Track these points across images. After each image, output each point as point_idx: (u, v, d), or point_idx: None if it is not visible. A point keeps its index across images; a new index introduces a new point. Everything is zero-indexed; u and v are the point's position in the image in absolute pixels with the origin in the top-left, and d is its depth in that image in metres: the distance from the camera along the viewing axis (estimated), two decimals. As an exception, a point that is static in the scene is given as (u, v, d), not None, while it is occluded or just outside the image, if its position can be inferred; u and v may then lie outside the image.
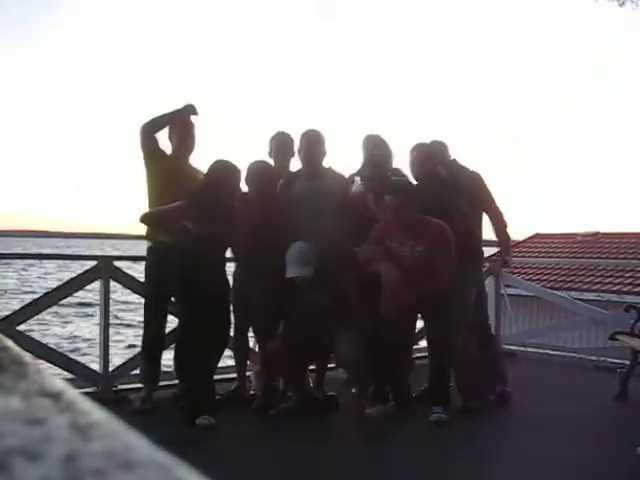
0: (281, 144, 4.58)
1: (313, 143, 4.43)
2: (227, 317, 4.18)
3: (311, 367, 4.57)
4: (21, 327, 4.39)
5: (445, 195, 4.26)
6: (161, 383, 4.47)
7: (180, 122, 4.40)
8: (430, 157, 4.42)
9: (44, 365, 4.14)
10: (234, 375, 4.62)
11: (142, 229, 4.32)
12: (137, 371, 4.74)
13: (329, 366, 4.64)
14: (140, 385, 4.47)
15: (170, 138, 4.44)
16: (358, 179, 4.47)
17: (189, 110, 4.40)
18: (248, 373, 4.61)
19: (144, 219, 4.17)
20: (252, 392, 4.49)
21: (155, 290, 4.31)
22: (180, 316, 4.22)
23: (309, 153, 4.40)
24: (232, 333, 4.54)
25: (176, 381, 4.51)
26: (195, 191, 4.08)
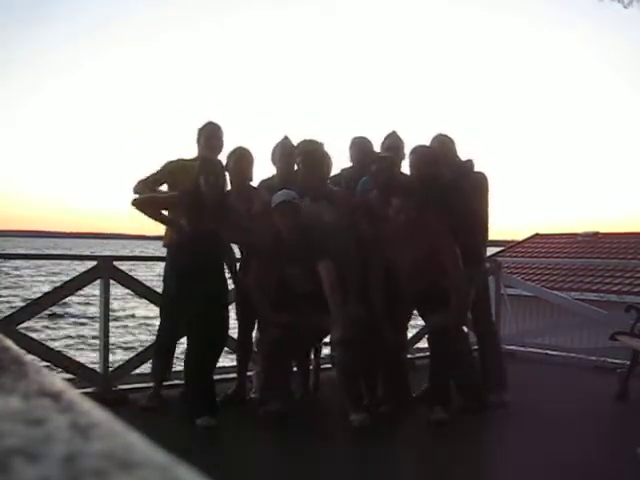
0: (285, 151, 4.52)
1: (313, 162, 4.39)
2: (225, 316, 4.18)
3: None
4: (21, 327, 4.39)
5: (446, 198, 4.25)
6: (167, 382, 4.47)
7: (208, 133, 4.46)
8: (431, 159, 4.39)
9: (44, 365, 4.14)
10: (234, 375, 4.62)
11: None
12: (137, 371, 4.76)
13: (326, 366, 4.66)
14: (140, 385, 4.48)
15: (198, 141, 4.50)
16: (365, 178, 4.47)
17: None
18: (249, 373, 4.61)
19: (136, 203, 4.15)
20: (252, 393, 4.49)
21: (171, 290, 4.33)
22: (179, 315, 4.23)
23: (309, 173, 4.38)
24: (236, 334, 4.57)
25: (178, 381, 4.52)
26: (186, 188, 4.11)
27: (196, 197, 4.01)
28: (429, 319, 4.37)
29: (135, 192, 4.35)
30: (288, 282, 4.19)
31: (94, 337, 14.18)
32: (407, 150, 4.57)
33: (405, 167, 4.57)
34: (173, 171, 4.42)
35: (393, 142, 4.66)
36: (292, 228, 4.11)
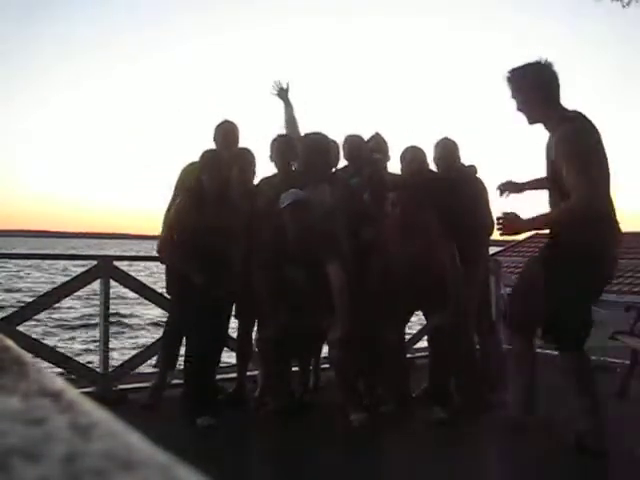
0: (282, 147, 4.50)
1: (312, 149, 4.38)
2: (227, 315, 4.17)
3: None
4: (21, 327, 4.39)
5: (439, 196, 4.26)
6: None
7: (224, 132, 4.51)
8: (422, 159, 4.45)
9: (44, 365, 4.14)
10: (234, 375, 4.61)
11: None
12: (137, 371, 4.76)
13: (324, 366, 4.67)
14: (140, 385, 4.48)
15: (215, 139, 4.51)
16: (355, 180, 4.48)
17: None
18: (250, 373, 4.61)
19: (162, 258, 4.25)
20: (257, 393, 4.49)
21: (174, 287, 4.32)
22: (177, 314, 4.22)
23: (308, 159, 4.35)
24: (237, 334, 4.57)
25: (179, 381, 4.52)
26: (188, 186, 4.12)
27: (197, 193, 4.00)
28: (429, 319, 4.38)
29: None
30: (290, 280, 4.18)
31: (93, 337, 14.20)
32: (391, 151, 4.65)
33: (391, 168, 4.65)
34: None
35: (378, 144, 4.68)
36: (299, 228, 4.07)
